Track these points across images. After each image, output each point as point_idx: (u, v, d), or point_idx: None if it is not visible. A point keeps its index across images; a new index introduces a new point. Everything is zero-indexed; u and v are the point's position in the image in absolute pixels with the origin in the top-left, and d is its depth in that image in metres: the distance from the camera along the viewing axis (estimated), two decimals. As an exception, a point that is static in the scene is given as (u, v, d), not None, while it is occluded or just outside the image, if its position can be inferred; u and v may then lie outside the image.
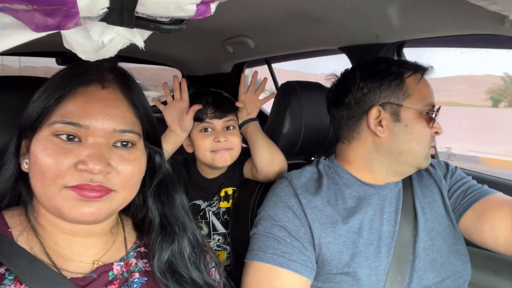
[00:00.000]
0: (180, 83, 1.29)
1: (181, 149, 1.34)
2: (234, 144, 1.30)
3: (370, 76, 1.07)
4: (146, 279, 0.75)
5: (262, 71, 1.81)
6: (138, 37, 0.47)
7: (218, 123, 1.30)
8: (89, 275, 0.70)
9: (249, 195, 1.30)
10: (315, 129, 1.37)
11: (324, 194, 1.05)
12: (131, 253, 0.78)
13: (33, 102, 0.70)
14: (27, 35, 0.41)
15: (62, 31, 0.43)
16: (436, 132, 1.06)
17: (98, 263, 0.73)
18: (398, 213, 1.05)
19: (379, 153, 1.07)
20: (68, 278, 0.67)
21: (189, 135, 1.32)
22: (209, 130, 1.30)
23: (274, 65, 2.29)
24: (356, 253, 0.98)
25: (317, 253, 0.99)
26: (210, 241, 1.38)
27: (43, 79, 0.79)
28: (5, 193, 0.72)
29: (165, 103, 1.32)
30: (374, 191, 1.07)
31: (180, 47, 2.02)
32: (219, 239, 1.39)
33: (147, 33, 0.48)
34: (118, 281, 0.72)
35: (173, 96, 1.32)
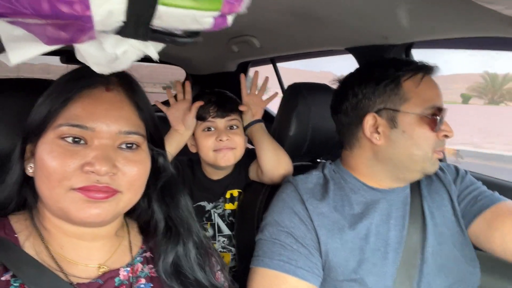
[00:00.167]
0: (183, 85, 1.29)
1: (185, 150, 1.34)
2: (237, 143, 1.29)
3: (365, 81, 1.05)
4: (152, 285, 0.75)
5: (264, 71, 1.80)
6: (152, 48, 0.45)
7: (221, 122, 1.29)
8: (95, 281, 0.70)
9: (255, 197, 1.30)
10: (322, 131, 1.36)
11: (330, 200, 1.04)
12: (137, 258, 0.78)
13: (37, 106, 0.70)
14: (39, 48, 0.40)
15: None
16: (446, 135, 1.01)
17: (103, 267, 0.72)
18: (405, 218, 1.04)
19: (379, 160, 1.05)
20: (74, 283, 0.67)
21: (193, 135, 1.31)
22: (212, 129, 1.29)
23: (265, 65, 2.28)
24: (363, 259, 0.97)
25: (324, 259, 0.98)
26: (215, 243, 1.37)
27: (46, 81, 0.79)
28: (11, 198, 0.73)
29: (167, 103, 1.31)
30: (381, 196, 1.06)
31: (184, 46, 2.01)
32: (224, 241, 1.38)
33: (160, 45, 0.47)
34: (124, 286, 0.72)
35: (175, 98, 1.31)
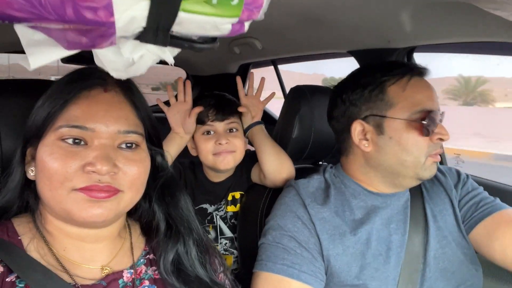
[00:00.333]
0: (184, 85, 1.28)
1: (187, 152, 1.34)
2: (237, 146, 1.29)
3: (352, 88, 1.05)
4: (155, 287, 0.75)
5: (264, 73, 1.80)
6: (168, 53, 0.46)
7: (220, 126, 1.29)
8: (99, 283, 0.70)
9: (257, 200, 1.30)
10: (325, 134, 1.36)
11: (332, 204, 1.04)
12: (141, 260, 0.78)
13: (37, 109, 0.71)
14: (58, 53, 0.40)
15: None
16: (440, 139, 0.98)
17: (106, 269, 0.73)
18: (407, 222, 1.04)
19: (371, 167, 1.05)
20: (79, 285, 0.68)
21: (193, 138, 1.31)
22: (211, 132, 1.29)
23: (266, 66, 2.27)
24: (365, 264, 0.97)
25: (326, 264, 0.98)
26: (217, 245, 1.37)
27: (45, 81, 0.79)
28: (13, 202, 0.73)
29: (168, 103, 1.31)
30: (381, 201, 1.06)
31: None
32: (226, 243, 1.38)
33: (176, 50, 0.47)
34: None
35: (176, 98, 1.31)
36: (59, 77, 0.75)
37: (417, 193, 1.10)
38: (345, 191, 1.08)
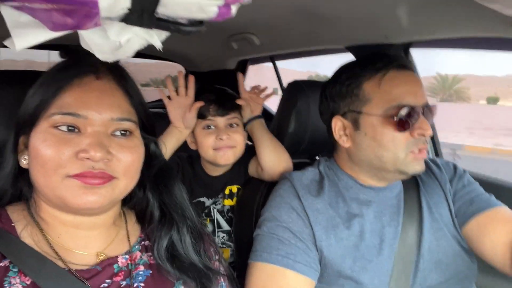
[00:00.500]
0: (187, 80, 1.28)
1: (185, 146, 1.34)
2: (237, 142, 1.29)
3: (332, 84, 1.06)
4: (151, 272, 0.76)
5: (261, 70, 1.80)
6: (156, 37, 0.46)
7: (221, 121, 1.29)
8: (94, 268, 0.71)
9: (253, 193, 1.30)
10: (321, 128, 1.35)
11: (325, 196, 1.04)
12: (136, 246, 0.79)
13: (29, 97, 0.71)
14: (44, 34, 0.40)
15: (79, 30, 0.42)
16: (421, 134, 0.96)
17: (102, 255, 0.73)
18: (400, 214, 1.04)
19: (353, 162, 1.06)
20: (73, 270, 0.68)
21: (193, 132, 1.31)
22: (212, 127, 1.29)
23: (264, 63, 2.27)
24: (359, 256, 0.98)
25: (320, 255, 0.99)
26: (215, 238, 1.37)
27: (37, 72, 0.80)
28: (5, 190, 0.74)
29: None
30: (374, 193, 1.06)
31: (183, 42, 2.00)
32: (223, 237, 1.38)
33: (164, 34, 0.47)
34: (123, 273, 0.73)
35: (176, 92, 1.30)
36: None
37: (413, 185, 1.10)
38: (338, 184, 1.08)
